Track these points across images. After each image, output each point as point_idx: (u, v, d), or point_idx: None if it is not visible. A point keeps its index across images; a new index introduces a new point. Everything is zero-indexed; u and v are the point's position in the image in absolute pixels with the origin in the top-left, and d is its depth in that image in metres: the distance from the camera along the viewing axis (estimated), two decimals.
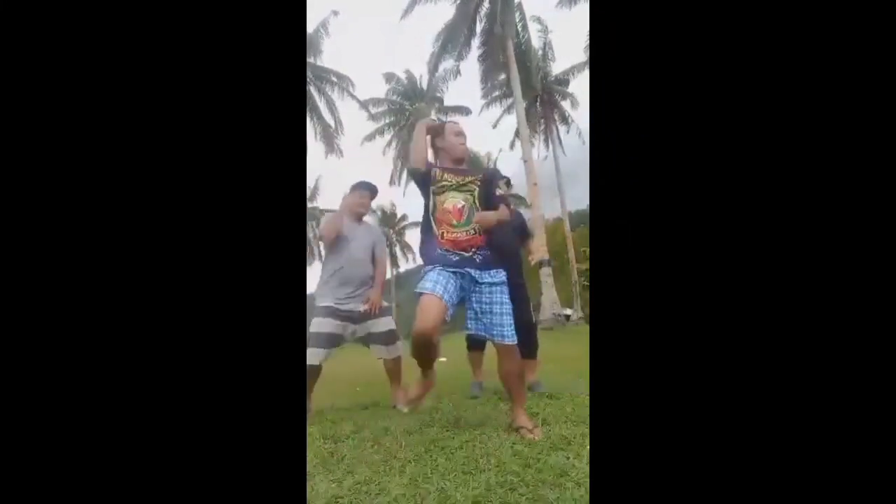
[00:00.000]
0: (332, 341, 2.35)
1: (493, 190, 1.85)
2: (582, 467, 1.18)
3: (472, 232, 1.73)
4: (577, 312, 14.71)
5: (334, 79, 16.04)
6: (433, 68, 13.90)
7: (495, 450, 1.41)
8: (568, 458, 1.28)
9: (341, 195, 2.66)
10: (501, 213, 1.77)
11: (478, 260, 1.72)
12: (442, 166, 1.85)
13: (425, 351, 1.64)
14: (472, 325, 1.74)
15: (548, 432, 1.58)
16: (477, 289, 1.71)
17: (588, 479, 1.08)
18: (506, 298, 1.72)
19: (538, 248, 2.91)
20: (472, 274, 1.70)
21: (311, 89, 15.27)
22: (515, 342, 1.68)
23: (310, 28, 14.56)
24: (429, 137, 1.88)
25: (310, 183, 19.56)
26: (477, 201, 1.78)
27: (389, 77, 18.69)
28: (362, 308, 2.39)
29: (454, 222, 1.73)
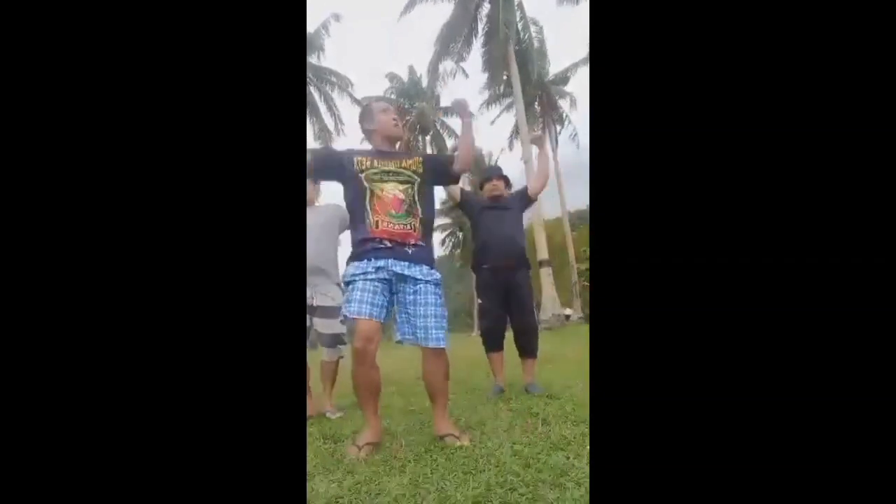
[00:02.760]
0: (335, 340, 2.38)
1: (441, 160, 1.76)
2: (582, 467, 1.18)
3: (410, 227, 1.63)
4: (577, 312, 14.71)
5: (334, 79, 16.05)
6: (433, 68, 13.90)
7: (495, 450, 1.41)
8: (568, 458, 1.28)
9: (341, 195, 2.66)
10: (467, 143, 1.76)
11: (409, 252, 1.62)
12: (367, 152, 1.73)
13: (367, 383, 1.56)
14: (402, 331, 1.64)
15: (548, 432, 1.58)
16: (403, 288, 1.62)
17: (588, 479, 1.08)
18: (436, 299, 1.63)
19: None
20: (400, 269, 1.59)
21: (311, 89, 15.27)
22: (443, 346, 1.61)
23: (310, 28, 14.57)
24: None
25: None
26: (417, 195, 1.66)
27: (391, 77, 18.69)
28: (314, 303, 2.32)
29: (392, 212, 1.62)
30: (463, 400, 2.42)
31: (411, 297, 1.62)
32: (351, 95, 16.26)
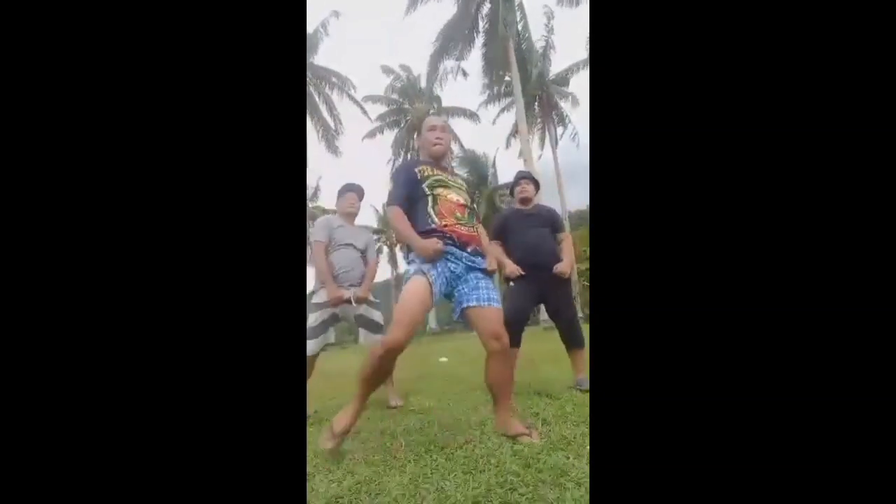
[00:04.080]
0: (327, 326, 2.50)
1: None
2: (582, 467, 1.18)
3: (474, 230, 1.69)
4: (577, 312, 14.66)
5: (334, 79, 16.04)
6: (433, 68, 13.90)
7: (495, 450, 1.41)
8: (568, 458, 1.28)
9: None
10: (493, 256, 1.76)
11: (469, 251, 1.64)
12: (425, 162, 1.77)
13: (384, 375, 1.55)
14: (468, 299, 1.61)
15: (548, 432, 1.58)
16: (465, 276, 1.63)
17: (588, 479, 1.08)
18: (492, 284, 1.67)
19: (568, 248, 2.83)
20: (464, 258, 1.62)
21: (311, 89, 15.26)
22: (499, 306, 1.62)
23: (310, 28, 14.57)
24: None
25: (311, 183, 19.53)
26: (475, 206, 1.76)
27: (388, 71, 18.64)
28: (349, 296, 2.50)
29: (457, 215, 1.65)
30: (468, 398, 2.42)
31: (474, 281, 1.64)
32: (350, 96, 16.25)
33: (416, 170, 1.71)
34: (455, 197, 1.68)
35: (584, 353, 2.58)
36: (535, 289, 2.57)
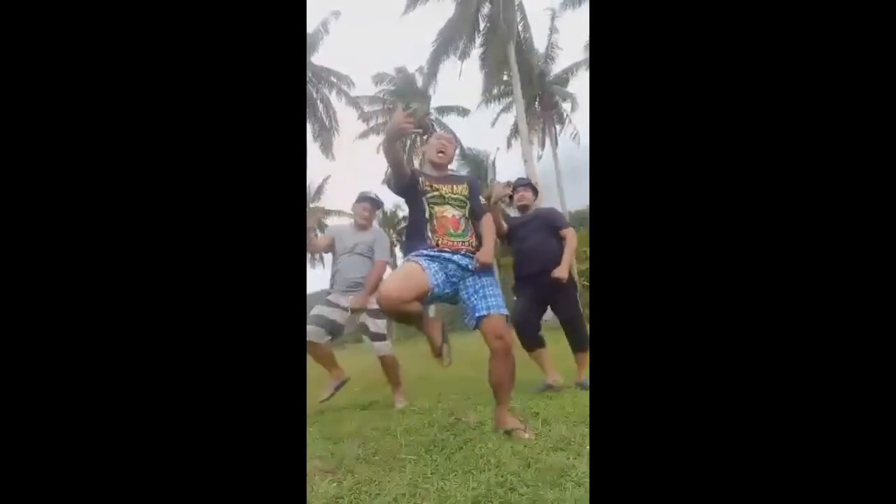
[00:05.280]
0: (331, 326, 2.51)
1: (478, 199, 1.83)
2: (582, 467, 1.18)
3: (469, 244, 1.72)
4: (580, 315, 14.63)
5: (333, 79, 16.02)
6: (432, 68, 13.89)
7: (495, 450, 1.41)
8: (568, 458, 1.28)
9: (338, 195, 2.85)
10: (490, 236, 1.76)
11: (462, 253, 1.70)
12: (427, 174, 1.82)
13: (397, 313, 1.56)
14: (477, 306, 1.66)
15: (548, 432, 1.58)
16: (466, 279, 1.69)
17: (588, 479, 1.08)
18: (497, 291, 1.70)
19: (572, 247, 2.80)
20: (461, 262, 1.67)
21: (309, 88, 15.24)
22: (506, 312, 1.67)
23: (310, 28, 14.55)
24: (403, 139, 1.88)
25: (314, 183, 19.51)
26: (468, 214, 1.78)
27: (382, 77, 18.62)
28: (349, 305, 2.54)
29: (451, 231, 1.71)
30: (468, 398, 2.42)
31: (477, 284, 1.69)
32: (347, 95, 16.23)
33: (420, 178, 1.77)
34: (450, 213, 1.72)
35: (587, 357, 2.58)
36: (539, 294, 2.57)
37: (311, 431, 1.94)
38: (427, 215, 1.72)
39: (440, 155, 1.85)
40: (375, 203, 2.76)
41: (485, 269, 1.72)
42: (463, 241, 1.71)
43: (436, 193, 1.74)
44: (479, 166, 18.35)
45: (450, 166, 1.92)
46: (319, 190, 19.82)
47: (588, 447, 1.33)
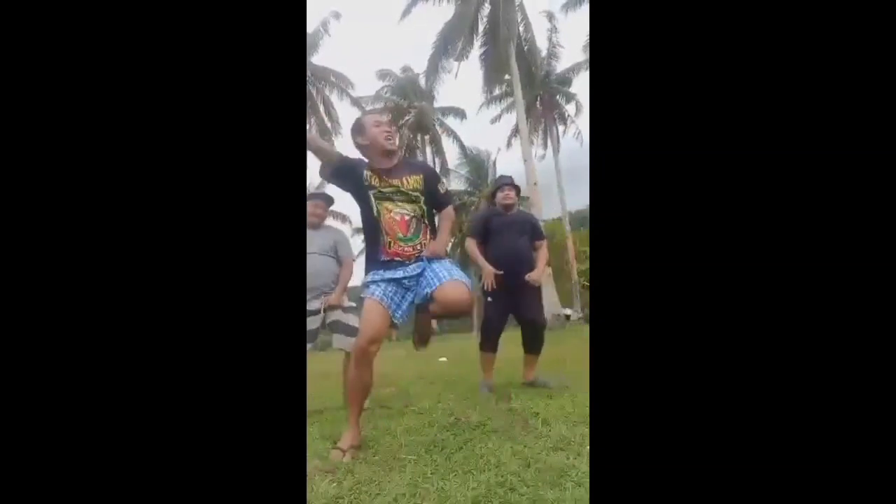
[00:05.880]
0: (310, 336, 2.43)
1: (437, 189, 1.72)
2: (582, 467, 1.18)
3: (420, 247, 1.64)
4: (576, 312, 14.71)
5: (333, 78, 16.03)
6: (432, 68, 13.89)
7: (495, 450, 1.41)
8: (568, 458, 1.28)
9: (338, 195, 2.75)
10: (447, 229, 1.72)
11: (414, 260, 1.64)
12: (372, 167, 1.65)
13: (363, 385, 1.60)
14: (429, 285, 1.59)
15: (548, 432, 1.58)
16: (420, 280, 1.63)
17: (588, 479, 1.08)
18: (449, 265, 1.64)
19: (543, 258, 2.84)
20: (414, 272, 1.63)
21: (310, 88, 15.25)
22: (466, 280, 1.59)
23: (310, 28, 14.56)
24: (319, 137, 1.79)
25: (314, 183, 19.48)
26: (424, 213, 1.66)
27: (385, 73, 18.63)
28: (321, 305, 2.45)
29: (399, 235, 1.61)
30: (468, 398, 2.42)
31: (428, 275, 1.63)
32: (349, 95, 16.24)
33: (365, 172, 1.63)
34: (398, 213, 1.62)
35: (537, 359, 2.69)
36: (508, 297, 2.61)
37: (311, 431, 1.94)
38: (375, 213, 1.62)
39: (390, 142, 1.64)
40: (328, 200, 2.68)
41: (436, 258, 1.65)
42: (413, 246, 1.63)
43: (382, 188, 1.62)
44: (480, 166, 18.37)
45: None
46: (320, 188, 19.75)
47: (588, 447, 1.33)
